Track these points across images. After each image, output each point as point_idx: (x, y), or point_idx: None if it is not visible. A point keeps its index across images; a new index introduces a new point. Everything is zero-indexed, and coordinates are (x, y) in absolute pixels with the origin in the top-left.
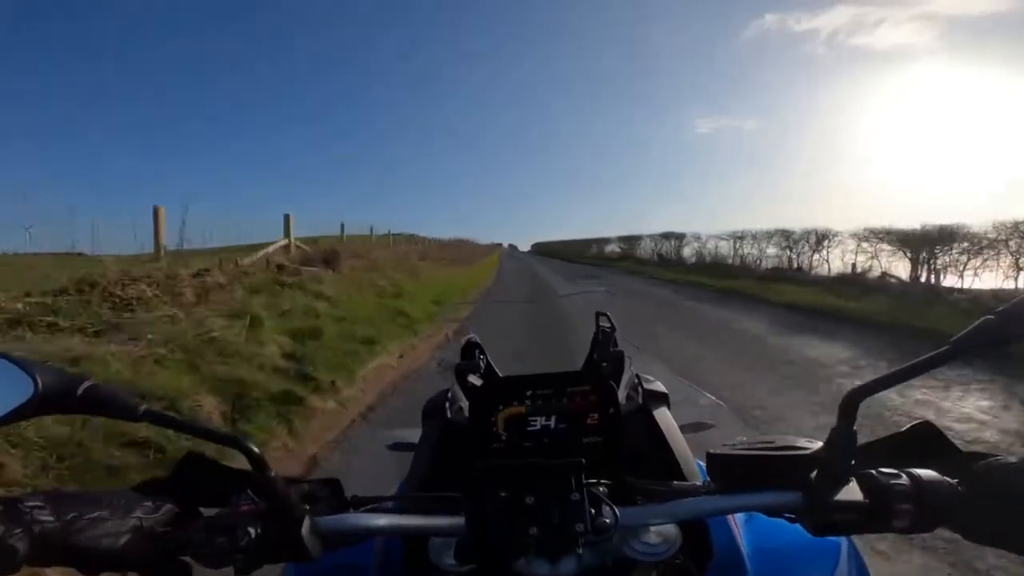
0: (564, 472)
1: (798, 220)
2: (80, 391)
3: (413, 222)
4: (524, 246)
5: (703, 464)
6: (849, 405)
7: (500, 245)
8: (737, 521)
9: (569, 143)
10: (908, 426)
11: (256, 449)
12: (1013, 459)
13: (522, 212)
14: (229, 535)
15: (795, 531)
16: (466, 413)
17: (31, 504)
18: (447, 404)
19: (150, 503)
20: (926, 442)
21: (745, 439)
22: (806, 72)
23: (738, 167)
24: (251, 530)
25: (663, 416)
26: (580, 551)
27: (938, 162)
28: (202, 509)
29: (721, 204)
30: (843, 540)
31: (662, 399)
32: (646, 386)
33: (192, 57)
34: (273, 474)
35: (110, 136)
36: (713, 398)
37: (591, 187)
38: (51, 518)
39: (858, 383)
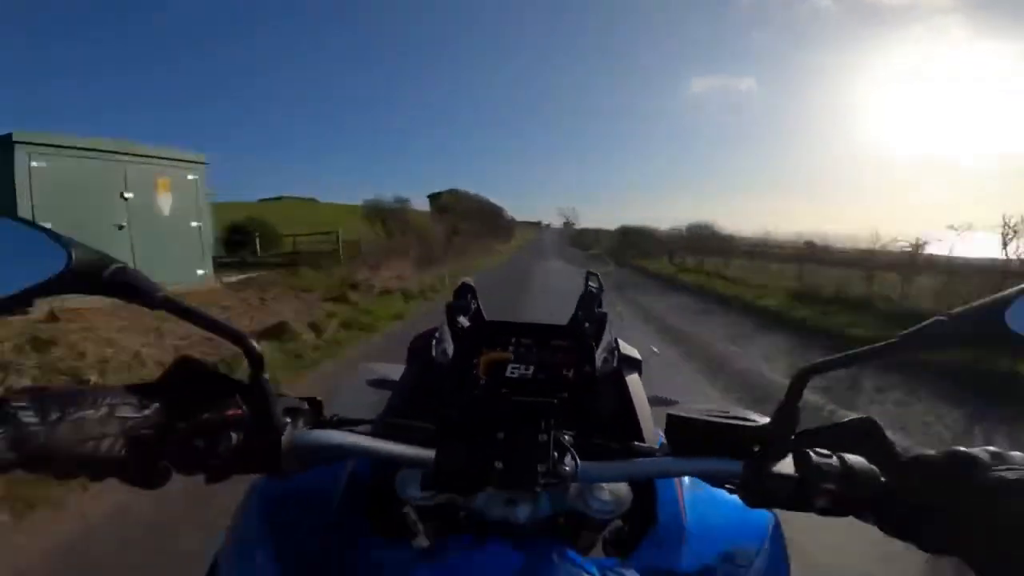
0: (536, 412)
1: None
2: (107, 272)
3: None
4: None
5: (663, 435)
6: (797, 382)
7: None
8: (684, 492)
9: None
10: (851, 418)
11: (258, 349)
12: (939, 456)
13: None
14: (210, 438)
15: (733, 505)
16: (450, 354)
17: (16, 404)
18: (434, 343)
19: (137, 404)
20: (866, 435)
21: (704, 407)
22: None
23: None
24: (233, 435)
25: (634, 382)
26: (538, 494)
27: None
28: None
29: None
30: (771, 521)
31: (635, 365)
32: (622, 351)
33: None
34: (267, 376)
35: None
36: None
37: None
38: (35, 419)
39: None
